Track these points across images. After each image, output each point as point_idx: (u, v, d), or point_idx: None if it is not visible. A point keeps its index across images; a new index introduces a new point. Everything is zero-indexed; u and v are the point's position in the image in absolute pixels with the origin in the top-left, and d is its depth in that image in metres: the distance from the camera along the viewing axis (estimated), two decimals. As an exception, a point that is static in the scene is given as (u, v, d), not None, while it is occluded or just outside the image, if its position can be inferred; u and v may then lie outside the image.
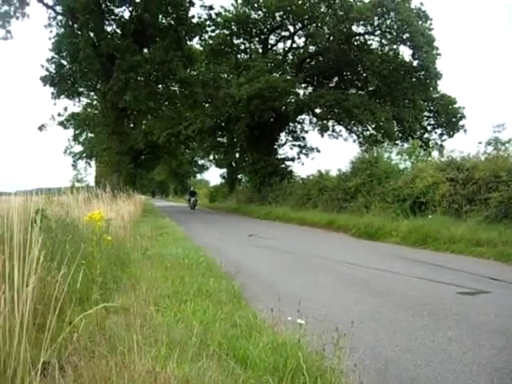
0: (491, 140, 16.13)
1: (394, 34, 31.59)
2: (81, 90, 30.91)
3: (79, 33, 26.21)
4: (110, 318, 4.38)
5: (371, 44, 33.71)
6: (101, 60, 25.71)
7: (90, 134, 42.40)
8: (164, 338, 3.60)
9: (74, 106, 41.53)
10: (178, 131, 37.03)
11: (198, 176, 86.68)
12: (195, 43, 33.80)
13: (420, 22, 31.36)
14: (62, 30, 28.01)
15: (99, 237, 5.62)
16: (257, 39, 37.40)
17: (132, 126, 35.89)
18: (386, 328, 5.33)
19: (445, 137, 36.01)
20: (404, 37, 31.16)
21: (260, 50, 37.16)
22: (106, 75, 26.34)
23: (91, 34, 25.96)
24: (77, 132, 42.54)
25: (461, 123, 35.15)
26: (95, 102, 36.09)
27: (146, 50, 28.36)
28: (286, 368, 3.00)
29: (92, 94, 33.66)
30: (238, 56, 37.79)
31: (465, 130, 35.03)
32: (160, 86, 30.32)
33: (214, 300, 5.43)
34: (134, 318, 4.27)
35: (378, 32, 32.51)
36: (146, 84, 27.41)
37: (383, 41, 33.03)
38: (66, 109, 32.62)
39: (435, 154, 28.59)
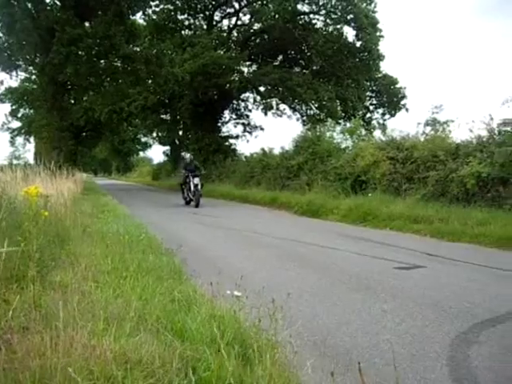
0: (430, 120, 16.46)
1: (339, 14, 31.79)
2: (18, 63, 29.85)
3: (16, 3, 25.25)
4: (47, 295, 4.30)
5: (316, 23, 33.83)
6: (39, 32, 24.89)
7: (28, 110, 41.14)
8: (101, 313, 3.56)
9: (12, 80, 40.25)
10: (120, 108, 36.21)
11: (141, 154, 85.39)
12: (138, 18, 33.19)
13: (364, 4, 31.68)
14: (-3, -1, 26.93)
15: (36, 212, 5.47)
16: (201, 15, 36.94)
17: (73, 101, 35.00)
18: (325, 302, 5.45)
19: (387, 116, 36.77)
20: (348, 17, 31.41)
21: (205, 27, 36.69)
22: (44, 48, 25.53)
23: (29, 5, 25.06)
24: (14, 107, 41.18)
25: (402, 103, 36.01)
26: (34, 77, 34.97)
27: (87, 24, 27.59)
28: (223, 340, 3.04)
29: (30, 67, 32.56)
30: (183, 32, 37.22)
31: (406, 110, 35.91)
32: (102, 61, 29.62)
33: (154, 276, 5.40)
34: (72, 294, 4.21)
35: (323, 12, 32.64)
36: (87, 59, 26.76)
37: (328, 21, 33.21)
38: (2, 82, 31.60)
39: (377, 133, 29.10)
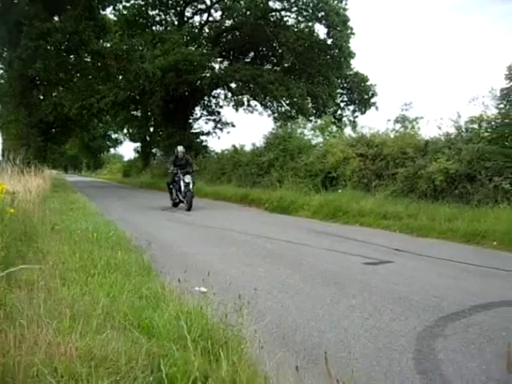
0: (399, 118, 16.69)
1: (310, 11, 31.83)
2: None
3: (-19, -4, 24.85)
4: (12, 293, 4.24)
5: (287, 20, 33.85)
6: (7, 27, 24.45)
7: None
8: (68, 311, 3.53)
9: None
10: (90, 104, 35.70)
11: (112, 150, 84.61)
12: (109, 13, 32.82)
13: (335, 2, 31.76)
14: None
15: (1, 210, 5.40)
16: (173, 11, 36.69)
17: (41, 97, 34.44)
18: (294, 298, 5.48)
19: (357, 113, 37.08)
20: (319, 15, 31.47)
21: (176, 23, 36.46)
22: (12, 43, 25.14)
23: (-5, -1, 24.67)
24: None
25: (372, 100, 36.38)
26: (1, 72, 34.36)
27: (56, 19, 27.19)
28: (190, 336, 3.03)
29: (-3, 62, 32.01)
30: (154, 28, 36.93)
31: (376, 107, 36.30)
32: (71, 56, 29.23)
33: (123, 273, 5.37)
34: (38, 292, 4.16)
35: (295, 9, 32.68)
36: (56, 54, 26.39)
37: (299, 18, 33.24)
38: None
39: (347, 130, 29.31)
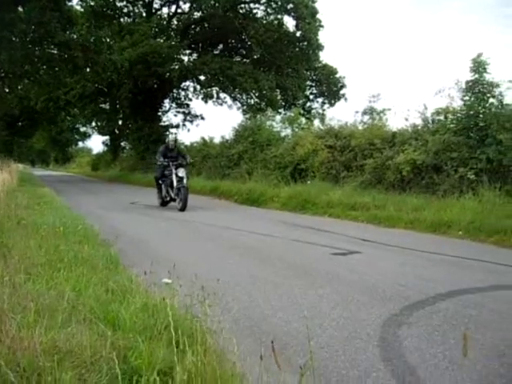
0: (367, 109, 16.81)
1: (279, 3, 31.78)
2: None
3: None
4: (-25, 289, 4.19)
5: (256, 13, 33.69)
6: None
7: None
8: (32, 305, 3.50)
9: None
10: (57, 96, 35.36)
11: (81, 144, 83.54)
12: (75, 4, 32.27)
13: (304, -6, 31.79)
14: None
15: (-36, 204, 5.31)
16: (141, 3, 36.23)
17: (7, 90, 33.89)
18: (262, 289, 5.51)
19: (326, 105, 37.19)
20: (288, 7, 31.44)
21: (144, 14, 36.03)
22: (-26, 34, 24.56)
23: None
24: None
25: (341, 92, 36.46)
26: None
27: (21, 9, 26.67)
28: (156, 328, 3.04)
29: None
30: (121, 20, 36.48)
31: (345, 99, 36.39)
32: (37, 48, 28.72)
33: (90, 267, 5.33)
34: (3, 287, 4.11)
35: (264, 1, 32.57)
36: (21, 45, 25.87)
37: (268, 10, 33.13)
38: None
39: (317, 122, 29.42)
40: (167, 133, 35.60)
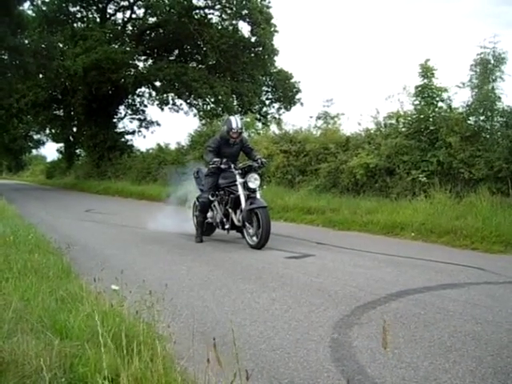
0: (321, 114, 16.98)
1: (234, 9, 31.89)
2: None
3: None
4: None
5: (211, 18, 33.74)
6: None
7: None
8: (-24, 317, 3.42)
9: None
10: (8, 104, 34.58)
11: (34, 151, 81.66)
12: (26, 9, 31.69)
13: (259, 0, 31.96)
14: None
15: None
16: (94, 8, 35.81)
17: (-45, 97, 32.99)
18: (215, 293, 5.50)
19: (282, 110, 37.39)
20: (243, 13, 31.56)
21: (98, 20, 35.62)
22: None
23: None
24: None
25: (297, 97, 36.70)
26: None
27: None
28: (104, 335, 3.00)
29: None
30: (75, 25, 35.93)
31: (301, 104, 36.66)
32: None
33: (40, 276, 5.23)
34: None
35: (218, 6, 32.65)
36: (-31, 50, 25.28)
37: (223, 15, 33.23)
38: None
39: (273, 127, 29.55)
40: (123, 139, 35.31)
